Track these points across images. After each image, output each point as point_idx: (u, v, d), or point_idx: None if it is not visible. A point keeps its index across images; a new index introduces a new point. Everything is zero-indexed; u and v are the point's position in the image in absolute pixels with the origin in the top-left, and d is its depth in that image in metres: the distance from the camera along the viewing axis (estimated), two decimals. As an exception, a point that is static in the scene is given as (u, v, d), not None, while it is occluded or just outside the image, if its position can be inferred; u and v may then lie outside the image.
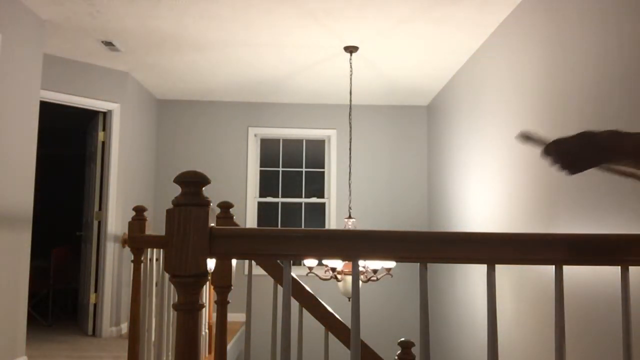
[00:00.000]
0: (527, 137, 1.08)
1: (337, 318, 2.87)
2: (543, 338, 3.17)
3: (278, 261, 2.67)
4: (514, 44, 3.66)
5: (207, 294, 3.74)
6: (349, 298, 4.42)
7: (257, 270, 4.19)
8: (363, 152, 6.45)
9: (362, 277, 4.03)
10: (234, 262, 2.35)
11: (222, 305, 2.28)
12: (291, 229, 1.03)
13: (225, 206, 2.43)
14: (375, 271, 3.91)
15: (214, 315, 2.56)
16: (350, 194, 4.69)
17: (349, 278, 3.98)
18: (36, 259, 4.29)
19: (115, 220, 5.22)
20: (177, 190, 0.98)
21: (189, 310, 0.97)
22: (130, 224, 2.74)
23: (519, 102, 3.57)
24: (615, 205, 2.40)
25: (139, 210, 2.75)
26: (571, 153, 1.02)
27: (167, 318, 2.68)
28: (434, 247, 1.00)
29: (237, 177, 6.36)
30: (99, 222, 5.23)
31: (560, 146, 1.03)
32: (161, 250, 2.75)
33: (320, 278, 4.13)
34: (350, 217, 4.28)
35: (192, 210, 0.96)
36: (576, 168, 1.04)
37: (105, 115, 5.28)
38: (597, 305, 2.54)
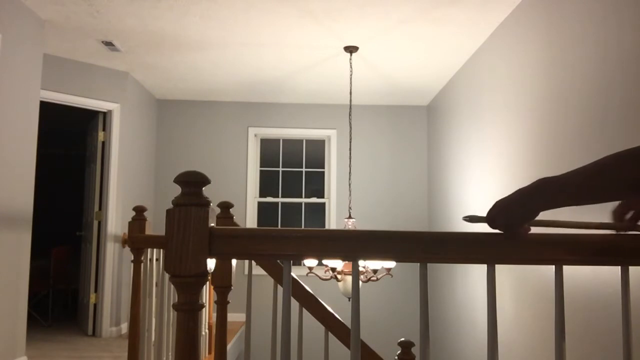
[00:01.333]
0: (472, 219, 1.05)
1: (337, 318, 2.87)
2: (543, 338, 3.17)
3: (278, 261, 2.67)
4: (514, 44, 3.66)
5: (207, 294, 3.74)
6: (349, 298, 4.41)
7: (257, 270, 4.17)
8: (363, 152, 6.44)
9: (362, 277, 4.03)
10: (234, 262, 2.35)
11: (222, 305, 2.28)
12: (291, 229, 1.03)
13: (225, 206, 2.43)
14: (375, 271, 3.91)
15: (214, 315, 2.56)
16: (350, 194, 4.69)
17: (349, 278, 3.98)
18: (36, 259, 4.29)
19: (115, 220, 5.22)
20: (177, 190, 0.97)
21: (189, 310, 0.97)
22: (130, 224, 2.74)
23: (518, 102, 3.57)
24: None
25: (139, 210, 2.75)
26: (511, 208, 0.96)
27: (167, 318, 2.68)
28: (434, 247, 1.00)
29: (237, 177, 6.36)
30: (99, 222, 5.22)
31: (502, 202, 0.97)
32: (161, 250, 2.75)
33: (320, 278, 4.13)
34: (350, 217, 4.27)
35: (192, 210, 0.96)
36: (517, 220, 0.97)
37: (105, 115, 5.28)
38: (597, 305, 2.54)
